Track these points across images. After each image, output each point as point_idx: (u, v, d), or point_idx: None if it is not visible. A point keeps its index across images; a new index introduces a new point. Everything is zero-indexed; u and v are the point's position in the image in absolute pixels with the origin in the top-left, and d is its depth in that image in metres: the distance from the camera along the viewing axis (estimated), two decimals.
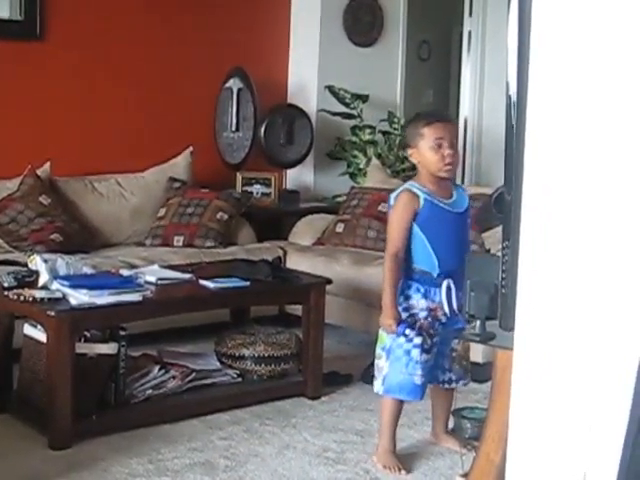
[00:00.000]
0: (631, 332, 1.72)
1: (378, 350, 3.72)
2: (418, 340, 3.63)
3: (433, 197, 3.62)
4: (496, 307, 2.70)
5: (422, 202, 3.59)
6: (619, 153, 1.76)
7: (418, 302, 3.64)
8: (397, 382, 3.66)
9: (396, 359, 3.65)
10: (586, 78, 1.81)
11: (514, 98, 2.40)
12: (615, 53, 1.76)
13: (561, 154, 1.86)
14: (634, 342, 1.69)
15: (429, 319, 3.64)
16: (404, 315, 3.64)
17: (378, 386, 3.72)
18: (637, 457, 1.43)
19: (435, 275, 3.62)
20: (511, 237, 2.39)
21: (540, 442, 1.93)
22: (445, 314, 3.62)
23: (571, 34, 1.83)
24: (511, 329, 2.22)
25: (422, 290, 3.64)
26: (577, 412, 1.85)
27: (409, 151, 3.69)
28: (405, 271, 3.66)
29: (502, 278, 2.44)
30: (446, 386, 3.83)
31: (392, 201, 3.65)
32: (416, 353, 3.63)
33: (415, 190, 3.62)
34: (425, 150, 3.60)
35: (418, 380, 3.66)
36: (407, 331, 3.63)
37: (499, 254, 2.91)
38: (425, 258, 3.62)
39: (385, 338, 3.68)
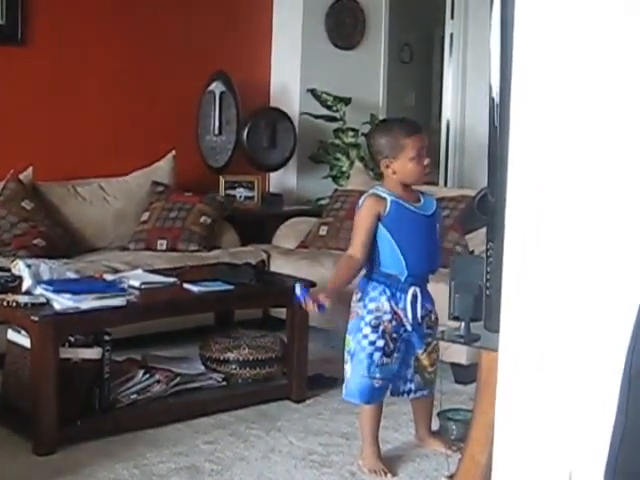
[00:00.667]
0: (617, 330, 1.73)
1: (345, 354, 3.72)
2: (380, 343, 3.61)
3: (401, 200, 3.60)
4: (480, 308, 2.72)
5: (389, 204, 3.57)
6: (603, 152, 1.77)
7: (383, 304, 3.61)
8: (357, 386, 3.66)
9: (358, 362, 3.64)
10: (569, 79, 1.82)
11: (497, 100, 2.41)
12: (598, 53, 1.77)
13: (545, 155, 1.87)
14: (620, 341, 1.70)
15: (393, 322, 3.62)
16: (368, 317, 3.62)
17: (343, 390, 3.74)
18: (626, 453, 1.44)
19: (403, 279, 3.60)
20: (495, 238, 2.40)
21: (526, 442, 1.94)
22: (409, 322, 3.62)
23: (553, 35, 1.84)
24: (496, 330, 2.23)
25: (388, 293, 3.61)
26: (563, 412, 1.86)
27: (385, 162, 3.60)
28: (372, 274, 3.65)
29: (487, 279, 2.45)
30: (405, 397, 3.81)
31: (359, 203, 3.65)
32: (377, 356, 3.61)
33: (380, 193, 3.60)
34: (406, 162, 3.57)
35: (377, 384, 3.64)
36: (370, 334, 3.61)
37: (483, 255, 2.93)
38: (393, 261, 3.60)
39: (350, 342, 3.68)
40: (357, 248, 3.59)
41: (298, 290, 3.51)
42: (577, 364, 1.83)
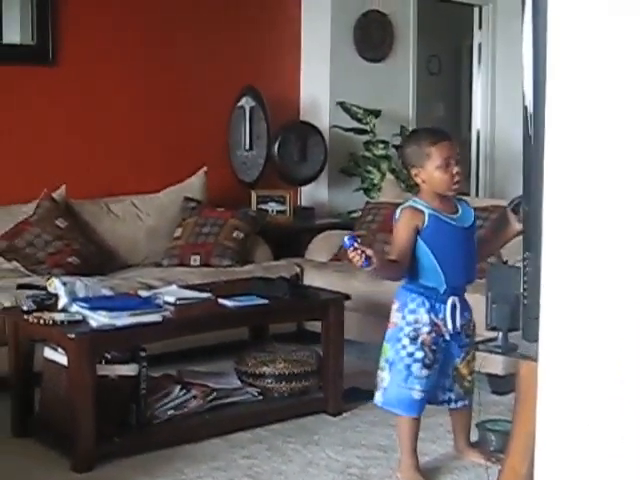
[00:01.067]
0: None
1: (381, 362, 3.71)
2: (419, 354, 3.60)
3: (438, 212, 3.59)
4: (518, 318, 2.71)
5: (427, 217, 3.56)
6: None
7: (422, 316, 3.60)
8: (395, 396, 3.65)
9: (397, 372, 3.63)
10: (603, 86, 1.81)
11: (530, 109, 2.40)
12: (633, 60, 1.76)
13: (581, 163, 1.85)
14: None
15: (432, 334, 3.61)
16: (407, 329, 3.61)
17: (378, 397, 3.73)
18: None
19: (442, 291, 3.60)
20: (532, 248, 2.39)
21: (568, 454, 1.92)
22: (449, 332, 3.61)
23: (586, 43, 1.83)
24: (534, 340, 2.21)
25: (427, 305, 3.60)
26: (605, 422, 1.84)
27: (413, 171, 3.61)
28: (411, 285, 3.64)
29: (524, 289, 2.44)
30: (446, 406, 3.80)
31: (397, 216, 3.63)
32: (416, 367, 3.60)
33: (419, 206, 3.58)
34: (432, 170, 3.56)
35: (416, 395, 3.63)
36: (409, 346, 3.60)
37: (517, 265, 2.91)
38: (432, 274, 3.59)
39: (388, 350, 3.67)
40: (399, 258, 3.57)
41: (346, 239, 3.37)
42: (618, 373, 1.81)
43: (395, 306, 3.68)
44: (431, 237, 3.56)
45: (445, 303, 3.59)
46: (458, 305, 3.59)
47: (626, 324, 1.79)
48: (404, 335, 3.62)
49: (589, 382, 1.87)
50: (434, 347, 3.62)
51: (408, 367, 3.61)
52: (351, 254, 3.35)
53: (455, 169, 3.57)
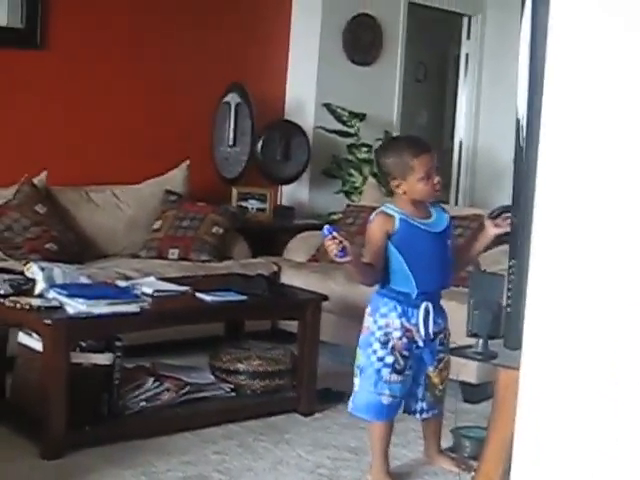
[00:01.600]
0: None
1: (355, 368, 3.71)
2: (390, 359, 3.59)
3: (409, 217, 3.58)
4: (499, 326, 2.72)
5: (397, 223, 3.55)
6: (633, 172, 1.77)
7: (393, 321, 3.59)
8: (364, 401, 3.65)
9: (366, 378, 3.63)
10: (599, 100, 1.82)
11: (523, 121, 2.42)
12: (630, 76, 1.77)
13: (574, 175, 1.87)
14: None
15: (404, 340, 3.60)
16: (378, 333, 3.61)
17: (350, 404, 3.73)
18: None
19: (414, 295, 3.59)
20: (517, 257, 2.40)
21: (547, 463, 1.93)
22: (421, 337, 3.61)
23: (585, 58, 1.84)
24: (516, 348, 2.23)
25: (399, 309, 3.59)
26: (586, 432, 1.85)
27: (394, 182, 3.58)
28: (384, 291, 3.64)
29: (508, 297, 2.45)
30: (417, 416, 3.79)
31: (370, 220, 3.63)
32: (386, 372, 3.59)
33: (389, 211, 3.58)
34: (414, 182, 3.55)
35: (385, 400, 3.61)
36: (379, 350, 3.60)
37: (500, 273, 2.93)
38: (402, 279, 3.58)
39: (360, 356, 3.67)
40: (370, 261, 3.58)
41: (325, 228, 3.36)
42: (602, 383, 1.82)
43: (367, 310, 3.68)
44: (401, 242, 3.55)
45: (418, 308, 3.58)
46: (431, 311, 3.59)
47: (612, 335, 1.80)
48: (375, 339, 3.61)
49: (571, 391, 1.88)
50: (405, 353, 3.60)
51: (378, 372, 3.60)
52: (328, 242, 3.34)
53: (436, 179, 3.58)
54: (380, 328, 3.61)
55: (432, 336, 3.62)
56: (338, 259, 3.35)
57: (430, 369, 3.70)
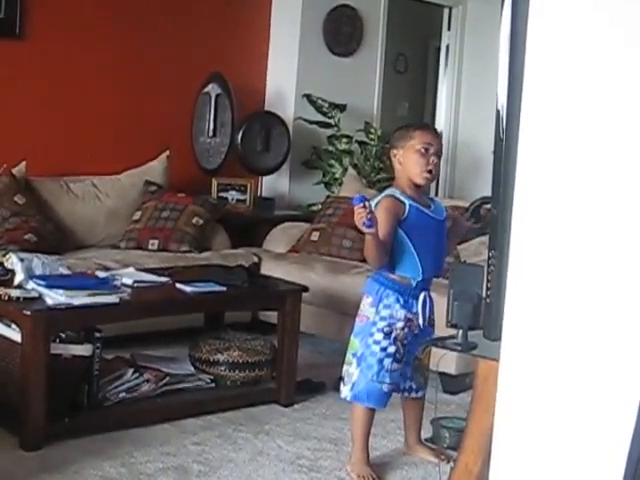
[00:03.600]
0: (623, 339, 1.74)
1: (348, 356, 3.72)
2: (392, 349, 3.63)
3: (417, 203, 3.64)
4: (478, 317, 2.72)
5: (407, 208, 3.60)
6: (612, 163, 1.78)
7: (397, 312, 3.63)
8: (365, 389, 3.66)
9: (367, 367, 3.64)
10: (580, 92, 1.83)
11: (503, 112, 2.42)
12: (610, 68, 1.78)
13: (553, 166, 1.87)
14: (628, 351, 1.71)
15: (405, 329, 3.65)
16: (381, 324, 3.64)
17: (346, 392, 3.72)
18: None
19: (415, 283, 3.63)
20: (497, 248, 2.40)
21: (526, 453, 1.94)
22: (418, 325, 3.64)
23: (565, 50, 1.85)
24: (495, 339, 2.23)
25: (401, 300, 3.64)
26: (565, 423, 1.86)
27: (393, 151, 3.69)
28: (384, 279, 3.66)
29: (487, 288, 2.45)
30: (405, 395, 3.82)
31: (375, 205, 3.62)
32: (388, 362, 3.63)
33: (399, 196, 3.62)
34: (412, 152, 3.62)
35: (386, 388, 3.66)
36: (382, 340, 3.63)
37: (480, 264, 2.93)
38: (410, 264, 3.61)
39: (357, 345, 3.68)
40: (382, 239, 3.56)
41: (357, 197, 3.38)
42: (581, 374, 1.83)
43: (368, 300, 3.69)
44: (411, 228, 3.60)
45: (417, 298, 3.62)
46: (428, 299, 3.63)
47: (591, 326, 1.81)
48: (377, 330, 3.63)
49: (549, 382, 1.89)
50: (405, 342, 3.66)
51: (380, 361, 3.63)
52: (359, 210, 3.35)
53: (432, 158, 3.62)
54: (383, 319, 3.64)
55: (430, 322, 3.66)
56: (365, 228, 3.39)
57: (419, 351, 3.73)
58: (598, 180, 1.80)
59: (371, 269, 3.82)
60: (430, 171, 3.63)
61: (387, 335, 3.63)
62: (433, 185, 7.98)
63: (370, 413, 3.72)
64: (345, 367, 3.72)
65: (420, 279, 3.63)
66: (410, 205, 3.60)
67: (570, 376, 1.85)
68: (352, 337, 3.72)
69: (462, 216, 3.90)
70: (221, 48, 6.63)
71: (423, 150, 3.61)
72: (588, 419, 1.83)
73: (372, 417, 3.73)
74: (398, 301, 3.63)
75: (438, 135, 3.82)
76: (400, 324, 3.64)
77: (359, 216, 3.36)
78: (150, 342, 4.86)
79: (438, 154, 3.66)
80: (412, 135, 3.65)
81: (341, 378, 3.74)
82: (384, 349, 3.64)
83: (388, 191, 3.69)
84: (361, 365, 3.66)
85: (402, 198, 3.62)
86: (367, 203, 3.35)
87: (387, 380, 3.65)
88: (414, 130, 3.67)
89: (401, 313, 3.63)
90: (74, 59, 5.97)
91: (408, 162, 3.64)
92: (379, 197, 3.66)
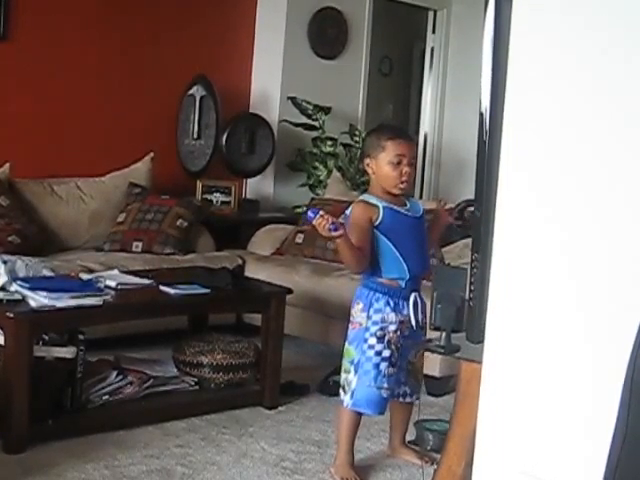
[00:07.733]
0: (606, 340, 1.74)
1: (346, 364, 3.69)
2: (387, 353, 3.62)
3: (392, 204, 3.62)
4: (462, 319, 2.73)
5: (381, 211, 3.58)
6: (594, 165, 1.79)
7: (388, 315, 3.62)
8: (365, 396, 3.64)
9: (364, 373, 3.63)
10: (562, 94, 1.83)
11: (486, 115, 2.42)
12: (592, 70, 1.79)
13: (536, 169, 1.88)
14: (610, 351, 1.71)
15: (398, 332, 3.64)
16: (374, 328, 3.62)
17: (347, 400, 3.69)
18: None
19: (404, 284, 3.62)
20: (481, 250, 2.41)
21: (508, 455, 1.95)
22: (410, 327, 3.64)
23: (548, 52, 1.85)
24: (478, 342, 2.24)
25: (391, 303, 3.63)
26: (548, 424, 1.87)
27: (366, 160, 3.66)
28: (373, 283, 3.66)
29: (470, 291, 2.46)
30: (400, 400, 3.81)
31: (348, 212, 3.65)
32: (384, 366, 3.62)
33: (372, 201, 3.62)
34: (384, 164, 3.60)
35: (384, 393, 3.65)
36: (376, 345, 3.62)
37: (465, 267, 2.93)
38: (394, 265, 3.61)
39: (353, 352, 3.67)
40: (357, 244, 3.56)
41: (309, 212, 3.42)
42: (563, 376, 1.84)
43: (359, 307, 3.67)
44: (388, 228, 3.59)
45: (407, 300, 3.61)
46: (419, 301, 3.62)
47: (573, 328, 1.82)
48: (370, 335, 3.62)
49: (532, 384, 1.89)
50: (398, 345, 3.65)
51: (377, 366, 3.62)
52: (318, 221, 3.37)
53: (405, 169, 3.60)
54: (375, 323, 3.63)
55: (421, 325, 3.65)
56: (333, 233, 3.40)
57: (412, 355, 3.73)
58: (581, 182, 1.81)
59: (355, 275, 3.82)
60: (404, 181, 3.61)
61: (380, 339, 3.62)
62: (417, 188, 8.00)
63: (358, 417, 3.71)
64: (344, 375, 3.70)
65: (408, 278, 3.62)
66: (384, 207, 3.59)
67: (552, 378, 1.86)
68: (347, 345, 3.70)
69: (445, 210, 3.88)
70: (206, 50, 6.63)
71: (396, 162, 3.59)
72: (570, 421, 1.84)
73: (359, 421, 3.73)
74: (388, 304, 3.62)
75: (411, 140, 3.77)
76: (392, 327, 3.62)
77: (321, 227, 3.38)
78: (134, 344, 4.85)
79: (411, 162, 3.64)
80: (384, 146, 3.59)
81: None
82: (379, 353, 3.62)
83: (361, 196, 3.70)
84: (359, 372, 3.64)
85: (374, 201, 3.60)
86: (321, 212, 3.38)
87: (385, 385, 3.63)
88: (386, 140, 3.60)
89: (392, 316, 3.62)
90: (58, 61, 5.96)
91: (381, 174, 3.61)
92: (352, 205, 3.66)
